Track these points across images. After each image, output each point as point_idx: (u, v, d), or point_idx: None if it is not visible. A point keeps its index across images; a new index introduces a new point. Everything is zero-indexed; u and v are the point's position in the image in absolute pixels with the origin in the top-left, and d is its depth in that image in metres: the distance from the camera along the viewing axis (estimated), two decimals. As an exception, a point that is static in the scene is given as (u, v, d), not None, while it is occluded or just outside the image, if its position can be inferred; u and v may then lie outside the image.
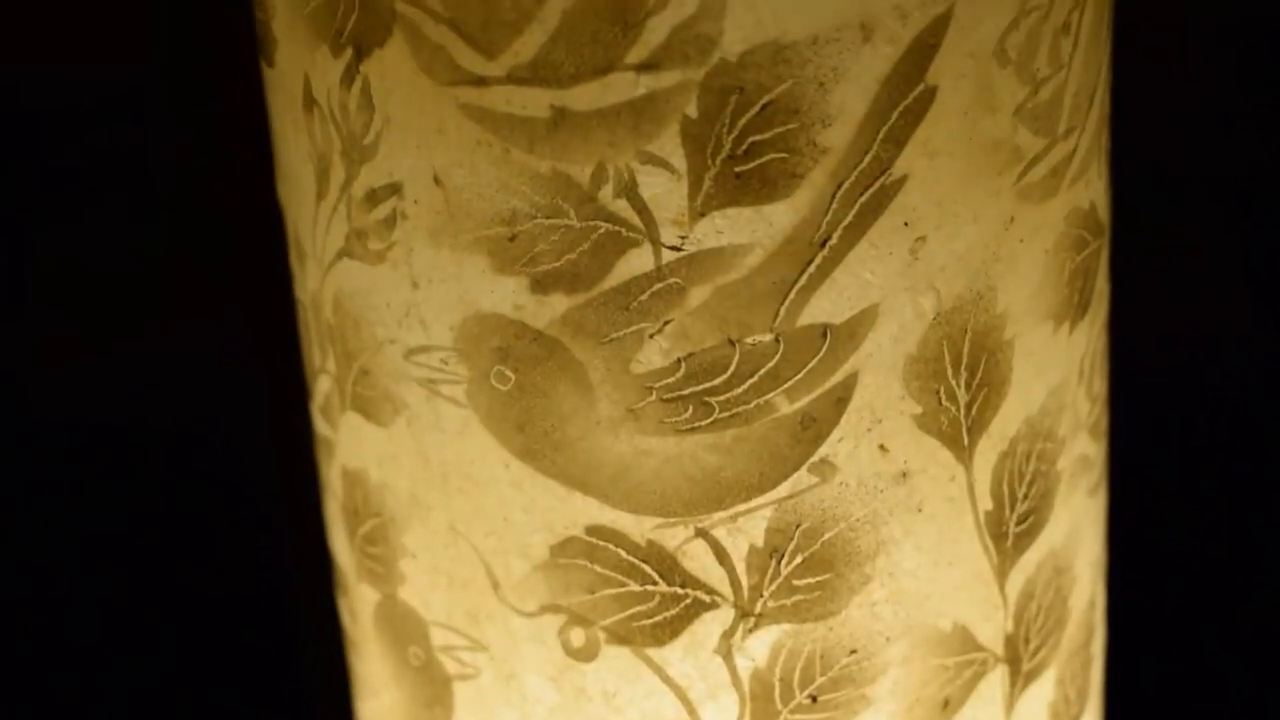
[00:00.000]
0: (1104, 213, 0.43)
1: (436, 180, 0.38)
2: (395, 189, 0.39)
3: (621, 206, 0.37)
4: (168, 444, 0.74)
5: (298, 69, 0.39)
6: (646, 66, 0.36)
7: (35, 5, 0.75)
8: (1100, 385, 0.44)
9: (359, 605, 0.45)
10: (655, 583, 0.40)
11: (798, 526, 0.40)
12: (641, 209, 0.37)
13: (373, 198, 0.39)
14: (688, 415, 0.39)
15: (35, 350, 0.76)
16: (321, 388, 0.43)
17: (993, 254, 0.39)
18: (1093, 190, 0.42)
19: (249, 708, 0.66)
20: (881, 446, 0.40)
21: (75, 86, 0.75)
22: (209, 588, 0.69)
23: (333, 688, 0.53)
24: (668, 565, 0.40)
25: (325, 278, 0.41)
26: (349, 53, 0.38)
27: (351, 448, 0.43)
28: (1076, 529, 0.44)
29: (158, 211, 0.74)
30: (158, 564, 0.70)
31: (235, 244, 0.65)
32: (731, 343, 0.38)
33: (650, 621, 0.41)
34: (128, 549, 0.71)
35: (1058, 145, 0.40)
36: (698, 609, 0.40)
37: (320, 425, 0.44)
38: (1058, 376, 0.42)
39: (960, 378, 0.40)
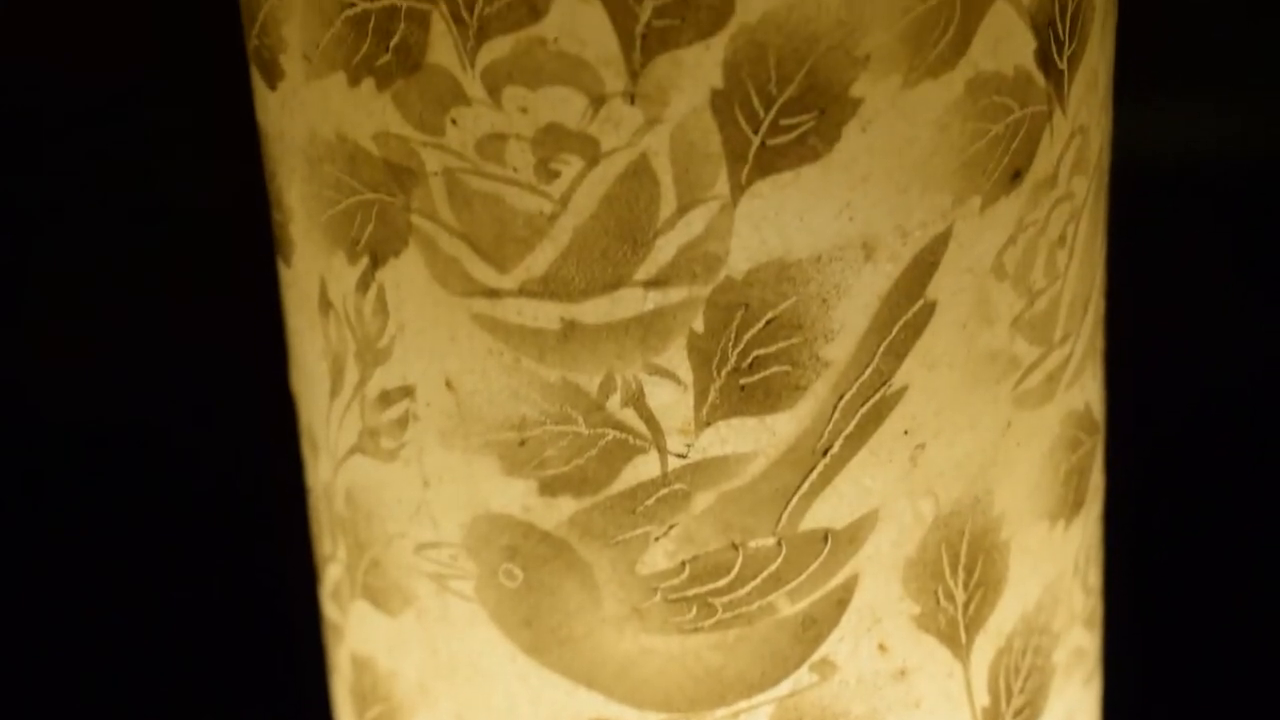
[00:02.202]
0: (1099, 411, 0.44)
1: (448, 385, 0.39)
2: (408, 391, 0.40)
3: (629, 415, 0.38)
4: (165, 445, 0.74)
5: (314, 272, 0.41)
6: (655, 283, 0.37)
7: (35, 5, 0.76)
8: (1095, 577, 0.45)
9: (365, 785, 0.46)
10: (658, 775, 0.41)
11: (798, 723, 0.41)
12: (648, 418, 0.38)
13: (386, 399, 0.40)
14: (692, 615, 0.40)
15: (34, 350, 0.76)
16: (332, 574, 0.44)
17: (990, 459, 0.40)
18: (1087, 392, 0.43)
19: (252, 709, 0.66)
20: (881, 645, 0.40)
21: (75, 86, 0.76)
22: (204, 589, 0.69)
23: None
24: (670, 759, 0.41)
25: (338, 471, 0.42)
26: (365, 260, 0.39)
27: (361, 634, 0.44)
28: (1071, 718, 0.45)
29: (158, 211, 0.75)
30: (155, 566, 0.70)
31: (235, 243, 0.65)
32: (735, 546, 0.39)
33: (652, 812, 0.41)
34: (127, 550, 0.71)
35: (1054, 352, 0.41)
36: (699, 801, 0.41)
37: (330, 610, 0.45)
38: (1053, 572, 0.43)
39: (958, 578, 0.41)
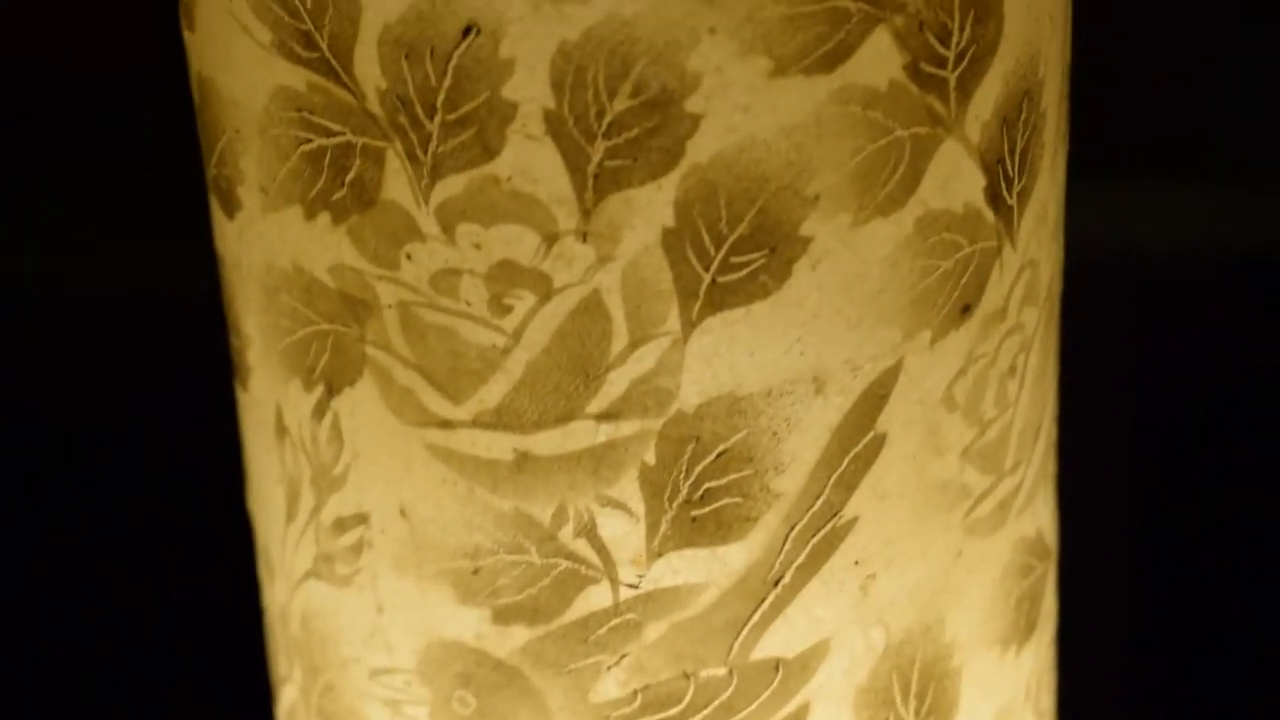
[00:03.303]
0: (1050, 537, 0.44)
1: (403, 513, 0.39)
2: (363, 518, 0.40)
3: (581, 546, 0.38)
4: (165, 445, 0.73)
5: (270, 398, 0.41)
6: (607, 416, 0.37)
7: (35, 5, 0.75)
8: (1047, 701, 0.45)
9: None
10: None
11: None
12: (600, 549, 0.38)
13: (340, 525, 0.40)
14: (643, 744, 0.40)
15: (34, 350, 0.76)
16: (287, 695, 0.44)
17: (941, 587, 0.40)
18: (1039, 518, 0.43)
19: (248, 709, 0.65)
20: (832, 773, 0.41)
21: (75, 86, 0.76)
22: (204, 592, 0.68)
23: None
24: None
25: (293, 594, 0.42)
26: (320, 389, 0.39)
27: (316, 756, 0.44)
28: (1024, 839, 0.45)
29: (158, 210, 0.74)
30: (154, 568, 0.70)
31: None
32: (686, 676, 0.39)
33: None
34: (125, 552, 0.70)
35: (1005, 480, 0.41)
36: None
37: (286, 729, 0.45)
38: (1005, 697, 0.43)
39: (909, 705, 0.41)
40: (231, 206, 0.40)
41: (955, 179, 0.38)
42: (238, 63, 0.38)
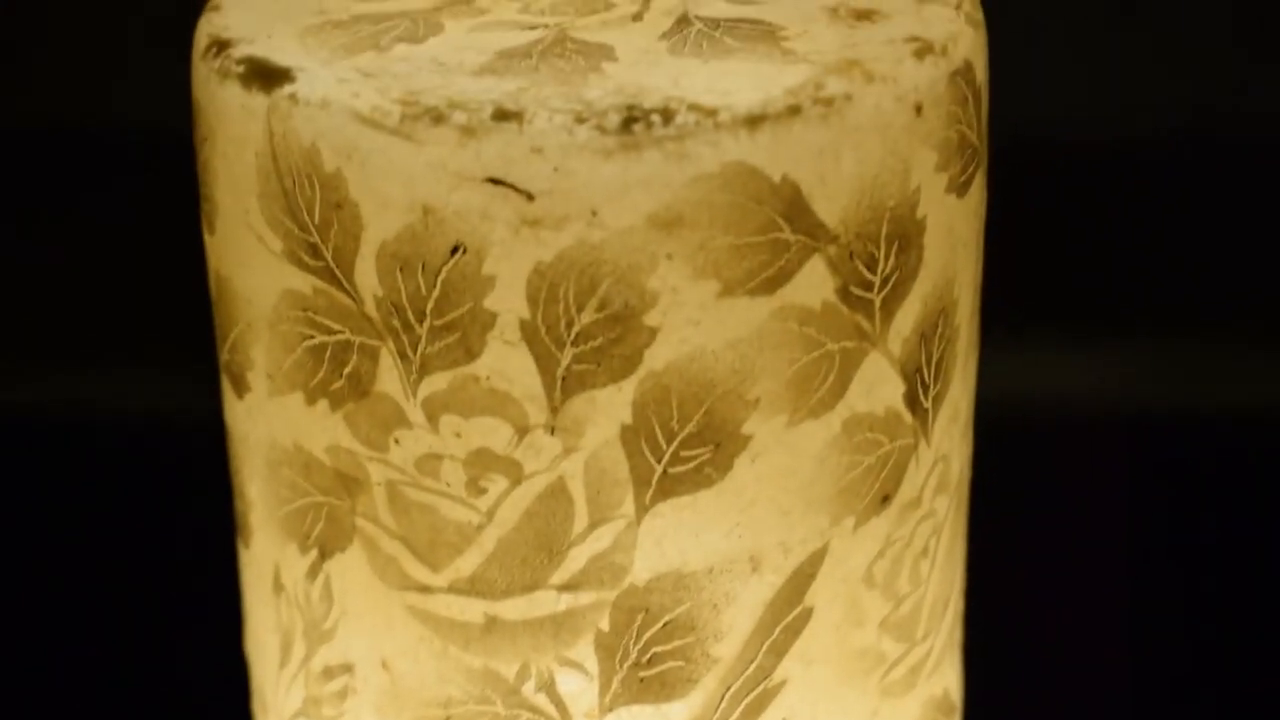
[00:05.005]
0: (956, 695, 0.49)
1: (384, 665, 0.44)
2: (348, 668, 0.45)
3: (542, 700, 0.43)
4: (166, 444, 0.75)
5: (269, 557, 0.46)
6: (567, 587, 0.42)
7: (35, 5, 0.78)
8: (954, 841, 0.50)
9: None
10: None
11: None
12: (559, 703, 0.43)
13: (329, 673, 0.45)
14: None
15: (34, 349, 0.78)
16: (272, 821, 0.49)
17: (859, 742, 0.46)
18: (946, 679, 0.48)
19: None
20: None
21: (75, 88, 0.78)
22: (204, 591, 0.67)
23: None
24: None
25: (282, 731, 0.47)
26: (314, 553, 0.44)
27: None
28: None
29: (160, 209, 0.76)
30: (153, 568, 0.70)
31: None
32: (631, 817, 0.44)
33: None
34: (124, 553, 0.71)
35: (916, 648, 0.46)
36: None
37: None
38: (915, 840, 0.48)
39: (828, 846, 0.46)
40: (241, 388, 0.45)
41: (878, 386, 0.43)
42: (252, 266, 0.43)
